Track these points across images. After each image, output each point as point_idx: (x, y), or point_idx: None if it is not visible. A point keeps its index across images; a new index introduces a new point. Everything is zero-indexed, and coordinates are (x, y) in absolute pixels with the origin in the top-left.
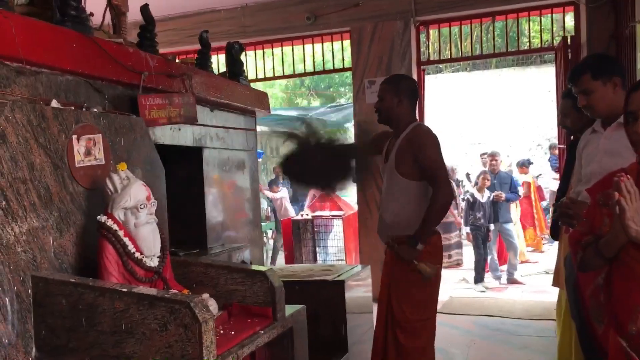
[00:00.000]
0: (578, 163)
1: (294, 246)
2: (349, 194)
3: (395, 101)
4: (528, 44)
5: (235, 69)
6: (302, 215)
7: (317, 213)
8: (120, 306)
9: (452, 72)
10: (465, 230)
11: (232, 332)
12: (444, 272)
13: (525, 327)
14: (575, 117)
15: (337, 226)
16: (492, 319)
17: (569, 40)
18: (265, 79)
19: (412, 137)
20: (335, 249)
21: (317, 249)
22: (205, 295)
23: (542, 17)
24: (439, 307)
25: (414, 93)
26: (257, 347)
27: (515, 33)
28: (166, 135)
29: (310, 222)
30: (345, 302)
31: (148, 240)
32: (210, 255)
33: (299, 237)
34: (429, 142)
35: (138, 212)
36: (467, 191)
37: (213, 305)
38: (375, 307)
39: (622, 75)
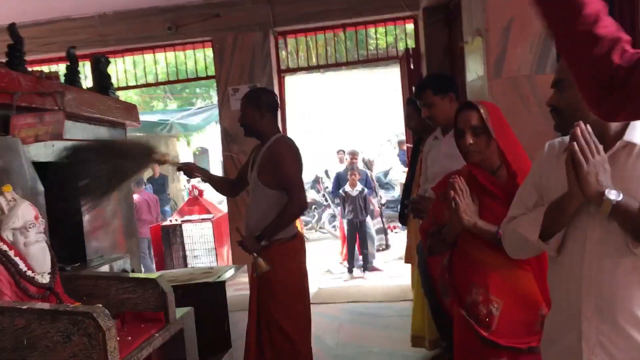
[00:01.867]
0: (424, 164)
1: (164, 252)
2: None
3: (257, 115)
4: (376, 52)
5: (103, 82)
6: (170, 220)
7: (186, 217)
8: (21, 323)
9: (307, 73)
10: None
11: (129, 338)
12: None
13: (386, 309)
14: (417, 121)
15: (207, 229)
16: (357, 305)
17: (410, 51)
18: (127, 87)
19: (272, 150)
20: (205, 252)
21: (187, 252)
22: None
23: (387, 28)
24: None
25: (275, 105)
26: (154, 348)
27: (364, 42)
28: (40, 153)
29: (179, 227)
30: (227, 300)
31: (39, 258)
32: (91, 268)
33: (168, 243)
34: (286, 154)
35: (27, 232)
36: (327, 187)
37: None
38: None
39: (457, 90)
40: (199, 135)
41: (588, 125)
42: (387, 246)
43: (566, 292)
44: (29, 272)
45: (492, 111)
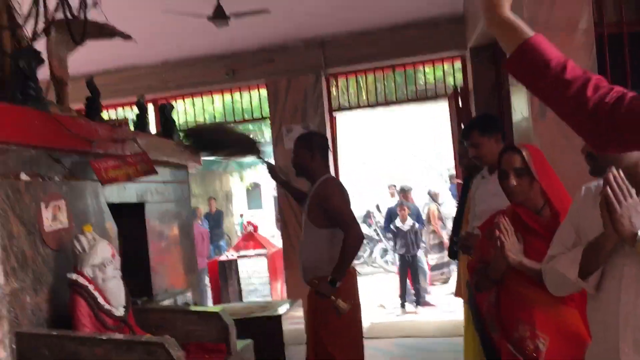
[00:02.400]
0: (472, 202)
1: (220, 286)
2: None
3: (308, 156)
4: (425, 89)
5: (168, 127)
6: (226, 256)
7: (242, 253)
8: (100, 352)
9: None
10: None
11: None
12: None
13: (438, 344)
14: (469, 159)
15: (262, 264)
16: (409, 339)
17: (459, 89)
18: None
19: (320, 190)
20: (260, 286)
21: (242, 286)
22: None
23: (436, 66)
24: None
25: (325, 147)
26: None
27: (413, 79)
28: (114, 194)
29: (235, 262)
30: (283, 333)
31: (115, 293)
32: (157, 302)
33: (225, 277)
34: (335, 192)
35: (105, 268)
36: (378, 222)
37: None
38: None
39: (503, 131)
40: (252, 170)
41: (620, 170)
42: (447, 280)
43: (604, 327)
44: (106, 306)
45: (535, 154)
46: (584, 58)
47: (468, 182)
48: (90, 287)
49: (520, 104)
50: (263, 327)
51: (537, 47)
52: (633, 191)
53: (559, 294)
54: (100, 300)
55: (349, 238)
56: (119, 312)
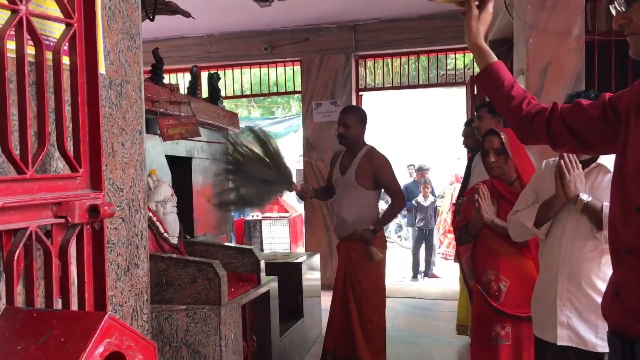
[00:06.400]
0: (473, 176)
1: (245, 243)
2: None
3: (359, 129)
4: (447, 73)
5: (215, 94)
6: (252, 215)
7: (267, 214)
8: (162, 266)
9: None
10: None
11: (232, 289)
12: None
13: (438, 305)
14: (474, 140)
15: (284, 226)
16: (414, 300)
17: (474, 78)
18: (225, 97)
19: (371, 159)
20: (281, 248)
21: (264, 246)
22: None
23: (458, 57)
24: None
25: (367, 121)
26: (249, 299)
27: (435, 65)
28: (168, 148)
29: (259, 222)
30: (302, 278)
31: (172, 225)
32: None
33: (249, 236)
34: (387, 165)
35: (165, 205)
36: None
37: None
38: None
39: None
40: (278, 142)
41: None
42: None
43: (548, 264)
44: (165, 234)
45: (511, 137)
46: (574, 60)
47: (471, 161)
48: (154, 219)
49: None
50: (285, 271)
51: (497, 70)
52: (580, 165)
53: (518, 240)
54: (161, 229)
55: (398, 201)
56: (174, 240)
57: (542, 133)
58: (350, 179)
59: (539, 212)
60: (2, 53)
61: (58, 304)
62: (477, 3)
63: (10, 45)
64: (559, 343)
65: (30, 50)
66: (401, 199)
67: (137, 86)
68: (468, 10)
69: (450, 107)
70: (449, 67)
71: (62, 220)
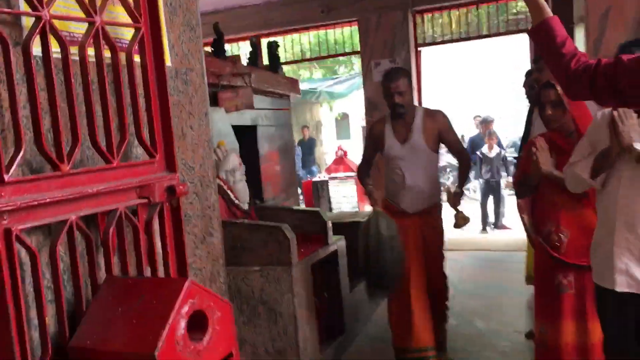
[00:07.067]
0: (534, 128)
1: (313, 204)
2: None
3: (411, 91)
4: (506, 24)
5: (274, 62)
6: (319, 177)
7: (333, 175)
8: (236, 232)
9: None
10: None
11: (302, 250)
12: None
13: (508, 256)
14: (535, 91)
15: (351, 186)
16: (481, 252)
17: None
18: (286, 62)
19: (434, 118)
20: (348, 207)
21: (332, 206)
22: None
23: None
24: None
25: None
26: (318, 259)
27: (496, 14)
28: (234, 118)
29: (326, 183)
30: (369, 237)
31: (242, 192)
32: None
33: (318, 196)
34: (451, 124)
35: (235, 173)
36: None
37: None
38: None
39: None
40: (341, 101)
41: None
42: None
43: (606, 213)
44: (236, 201)
45: None
46: (636, 3)
47: (531, 113)
48: (225, 187)
49: (579, 41)
50: (352, 230)
51: (551, 25)
52: (635, 116)
53: (576, 191)
54: (232, 196)
55: (467, 159)
56: (245, 207)
57: (586, 91)
58: (419, 145)
59: (595, 162)
60: (85, 60)
61: (147, 272)
62: None
63: (90, 51)
64: (618, 289)
65: (106, 53)
66: (468, 155)
67: (200, 72)
68: None
69: (514, 54)
70: (510, 15)
71: (145, 200)
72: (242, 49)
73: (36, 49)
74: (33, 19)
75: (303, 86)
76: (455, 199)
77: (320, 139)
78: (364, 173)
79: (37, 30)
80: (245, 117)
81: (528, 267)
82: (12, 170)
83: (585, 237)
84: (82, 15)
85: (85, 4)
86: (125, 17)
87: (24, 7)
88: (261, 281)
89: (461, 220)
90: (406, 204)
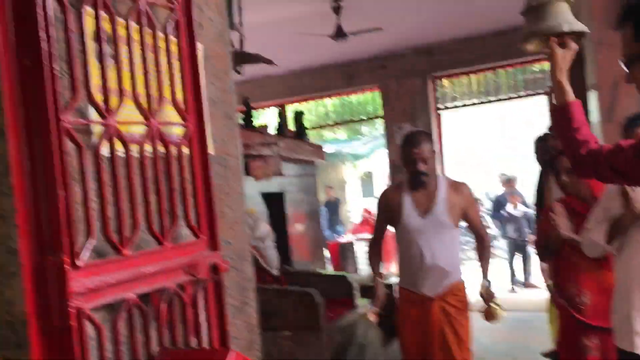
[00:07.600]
0: (549, 193)
1: (340, 264)
2: None
3: (435, 159)
4: (524, 87)
5: (301, 131)
6: (345, 238)
7: (359, 235)
8: (266, 297)
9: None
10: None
11: (330, 314)
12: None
13: (535, 317)
14: (546, 155)
15: None
16: (509, 313)
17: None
18: (312, 128)
19: (460, 191)
20: None
21: (358, 266)
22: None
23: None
24: None
25: None
26: (348, 323)
27: (512, 78)
28: (263, 186)
29: (351, 244)
30: (394, 297)
31: (272, 258)
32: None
33: (345, 257)
34: (475, 199)
35: (265, 240)
36: (487, 209)
37: None
38: None
39: None
40: (365, 160)
41: None
42: None
43: (622, 277)
44: (267, 267)
45: None
46: None
47: (542, 176)
48: (256, 253)
49: (592, 107)
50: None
51: (570, 110)
52: None
53: (593, 256)
54: (262, 262)
55: (489, 242)
56: (275, 272)
57: (592, 174)
58: (442, 219)
59: (611, 230)
60: (143, 156)
61: (193, 342)
62: (558, 42)
63: (147, 147)
64: (638, 352)
65: (160, 148)
66: (488, 235)
67: (236, 156)
68: (552, 50)
69: (533, 114)
70: (528, 74)
71: (192, 277)
72: (268, 115)
73: (104, 149)
74: (103, 127)
75: (327, 147)
76: (488, 292)
77: (345, 197)
78: (374, 253)
79: (106, 135)
80: (273, 184)
81: (553, 329)
82: (84, 257)
83: (606, 300)
84: (140, 118)
85: (144, 109)
86: (175, 116)
87: (94, 116)
88: (291, 345)
89: (496, 314)
90: (427, 288)
